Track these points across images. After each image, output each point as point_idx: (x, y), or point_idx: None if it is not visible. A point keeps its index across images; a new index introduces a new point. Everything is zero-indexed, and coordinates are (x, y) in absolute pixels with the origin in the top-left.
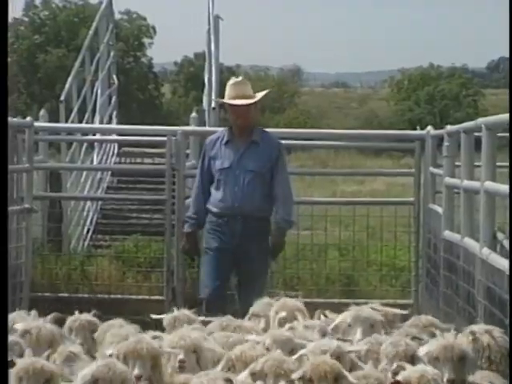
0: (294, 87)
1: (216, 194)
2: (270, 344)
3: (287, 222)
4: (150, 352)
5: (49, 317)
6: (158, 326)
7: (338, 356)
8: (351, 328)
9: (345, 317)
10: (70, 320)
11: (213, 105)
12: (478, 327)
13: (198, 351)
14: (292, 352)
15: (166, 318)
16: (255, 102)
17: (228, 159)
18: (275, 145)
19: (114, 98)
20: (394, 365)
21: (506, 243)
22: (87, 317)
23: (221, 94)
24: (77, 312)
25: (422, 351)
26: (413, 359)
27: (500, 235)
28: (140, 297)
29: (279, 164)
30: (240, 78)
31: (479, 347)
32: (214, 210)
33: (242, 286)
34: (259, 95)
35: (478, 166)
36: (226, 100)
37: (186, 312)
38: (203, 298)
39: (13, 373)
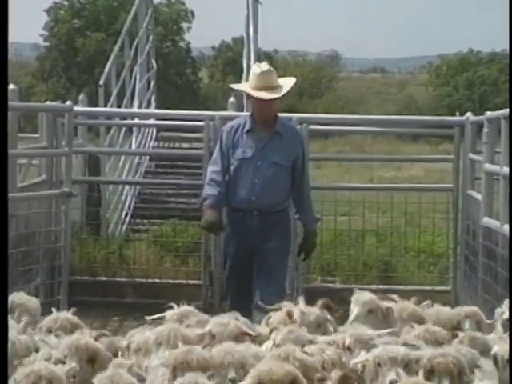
0: (332, 72)
1: (232, 186)
2: (351, 343)
3: (316, 221)
4: (200, 363)
5: None
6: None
7: (406, 364)
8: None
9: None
10: (48, 320)
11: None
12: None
13: (245, 367)
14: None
15: (169, 314)
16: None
17: (250, 148)
18: (299, 137)
19: (152, 83)
20: None
21: None
22: (67, 316)
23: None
24: (54, 310)
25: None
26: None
27: None
28: (177, 281)
29: (304, 158)
30: (266, 67)
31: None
32: (231, 202)
33: (260, 284)
34: (285, 86)
35: None
36: (251, 92)
37: (189, 309)
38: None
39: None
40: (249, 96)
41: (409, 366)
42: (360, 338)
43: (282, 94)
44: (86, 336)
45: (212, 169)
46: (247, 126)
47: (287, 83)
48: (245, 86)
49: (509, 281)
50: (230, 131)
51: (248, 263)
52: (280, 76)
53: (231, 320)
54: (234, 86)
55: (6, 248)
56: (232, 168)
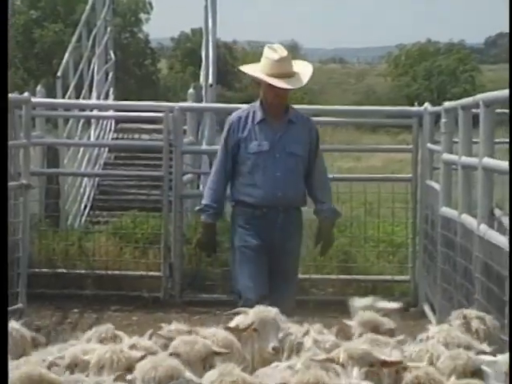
0: None
1: (250, 182)
2: (344, 359)
3: (337, 213)
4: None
5: None
6: (154, 302)
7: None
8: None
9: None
10: None
11: (210, 81)
12: (470, 312)
13: None
14: (372, 366)
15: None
16: None
17: (266, 141)
18: (312, 124)
19: (110, 74)
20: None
21: (504, 220)
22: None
23: (220, 69)
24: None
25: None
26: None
27: (498, 212)
28: (137, 273)
29: (318, 147)
30: (283, 53)
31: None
32: (249, 199)
33: (276, 285)
34: (303, 74)
35: (476, 143)
36: (269, 80)
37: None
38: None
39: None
40: (260, 83)
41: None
42: (354, 353)
43: (303, 84)
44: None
45: (214, 170)
46: (258, 117)
47: (304, 71)
48: (257, 72)
49: (509, 281)
50: (237, 123)
51: (265, 260)
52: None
53: (198, 338)
54: (246, 70)
55: (6, 247)
56: (248, 163)
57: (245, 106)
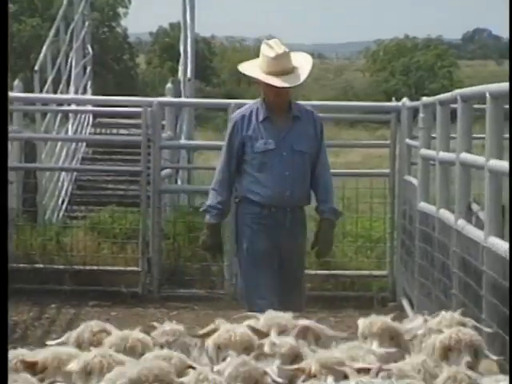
0: None
1: (257, 180)
2: (317, 370)
3: (338, 214)
4: None
5: None
6: (132, 297)
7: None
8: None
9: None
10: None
11: (188, 75)
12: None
13: None
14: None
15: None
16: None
17: (272, 139)
18: (316, 117)
19: (88, 69)
20: None
21: (481, 215)
22: None
23: (199, 64)
24: None
25: None
26: None
27: (475, 207)
28: (115, 268)
29: (322, 143)
30: (280, 49)
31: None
32: (256, 198)
33: (285, 286)
34: (302, 69)
35: (454, 138)
36: (265, 78)
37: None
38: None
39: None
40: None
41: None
42: (327, 363)
43: (301, 81)
44: None
45: (218, 170)
46: (262, 114)
47: (303, 65)
48: (255, 71)
49: (509, 283)
50: (241, 121)
51: (272, 261)
52: (219, 61)
53: (173, 352)
54: (244, 69)
55: (6, 246)
56: (254, 162)
57: (250, 101)
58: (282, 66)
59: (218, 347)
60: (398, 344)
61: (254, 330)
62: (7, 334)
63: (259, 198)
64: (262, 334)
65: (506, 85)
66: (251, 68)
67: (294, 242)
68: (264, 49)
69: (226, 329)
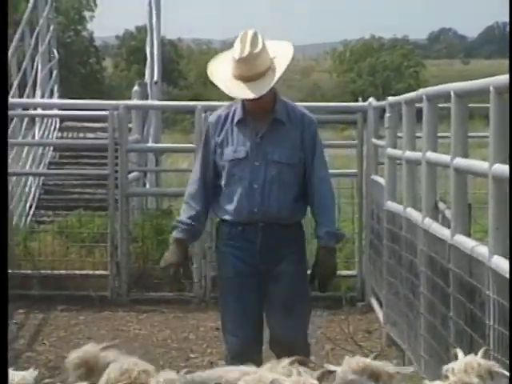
0: None
1: (226, 195)
2: None
3: (335, 237)
4: None
5: None
6: (101, 301)
7: None
8: None
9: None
10: None
11: (155, 78)
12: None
13: None
14: None
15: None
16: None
17: (243, 146)
18: (307, 123)
19: (54, 72)
20: None
21: (448, 213)
22: None
23: (165, 67)
24: None
25: None
26: None
27: (441, 205)
28: (84, 272)
29: (316, 152)
30: (245, 51)
31: None
32: (225, 216)
33: (275, 320)
34: (278, 66)
35: (420, 137)
36: (225, 87)
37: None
38: (231, 354)
39: None
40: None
41: None
42: None
43: (268, 88)
44: None
45: (190, 182)
46: (237, 116)
47: (280, 60)
48: (221, 75)
49: (509, 283)
50: (217, 123)
51: (252, 288)
52: (186, 64)
53: None
54: (211, 72)
55: (6, 245)
56: (223, 173)
57: (217, 103)
58: (247, 71)
59: None
60: None
61: None
62: (7, 334)
63: (227, 216)
64: None
65: (470, 83)
66: (219, 70)
67: (276, 265)
68: (236, 43)
69: None
